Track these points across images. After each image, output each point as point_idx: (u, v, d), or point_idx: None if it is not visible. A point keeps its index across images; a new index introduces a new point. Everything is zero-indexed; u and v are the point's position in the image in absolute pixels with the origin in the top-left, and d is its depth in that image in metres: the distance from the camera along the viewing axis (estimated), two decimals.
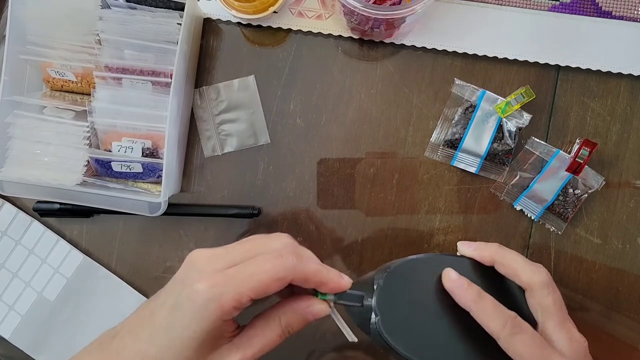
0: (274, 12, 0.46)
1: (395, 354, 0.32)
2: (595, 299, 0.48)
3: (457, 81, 0.47)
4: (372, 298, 0.32)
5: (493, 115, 0.46)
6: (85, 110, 0.43)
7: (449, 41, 0.47)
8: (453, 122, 0.47)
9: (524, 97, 0.45)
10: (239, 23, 0.48)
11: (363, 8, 0.38)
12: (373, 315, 0.32)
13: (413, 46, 0.47)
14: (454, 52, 0.47)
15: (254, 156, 0.49)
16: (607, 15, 0.47)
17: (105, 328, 0.48)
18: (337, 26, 0.47)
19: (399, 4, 0.44)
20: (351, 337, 0.33)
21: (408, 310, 0.33)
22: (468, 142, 0.47)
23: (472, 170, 0.47)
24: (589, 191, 0.46)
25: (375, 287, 0.33)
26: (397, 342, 0.32)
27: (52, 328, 0.48)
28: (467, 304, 0.32)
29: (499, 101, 0.46)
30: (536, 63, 0.47)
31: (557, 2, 0.47)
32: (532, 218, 0.48)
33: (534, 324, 0.34)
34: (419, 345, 0.32)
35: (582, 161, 0.44)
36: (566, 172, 0.45)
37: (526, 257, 0.48)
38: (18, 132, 0.43)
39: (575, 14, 0.47)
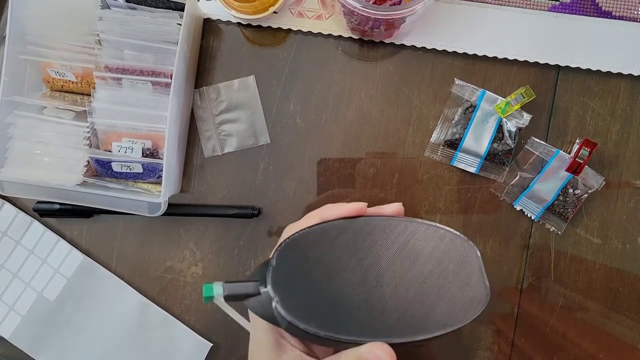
0: (274, 12, 0.46)
1: (307, 334, 0.29)
2: (595, 299, 0.48)
3: (457, 81, 0.47)
4: (267, 283, 0.30)
5: (493, 115, 0.46)
6: (85, 110, 0.43)
7: (449, 41, 0.47)
8: (453, 122, 0.47)
9: (524, 97, 0.45)
10: (239, 23, 0.48)
11: (363, 8, 0.38)
12: (272, 300, 0.30)
13: (413, 46, 0.47)
14: (454, 52, 0.47)
15: (254, 156, 0.49)
16: (607, 15, 0.47)
17: (105, 328, 0.48)
18: (337, 26, 0.47)
19: (399, 4, 0.44)
20: (248, 326, 0.31)
21: (310, 286, 0.30)
22: (468, 142, 0.47)
23: (472, 170, 0.47)
24: (589, 191, 0.46)
25: (268, 269, 0.30)
26: (303, 320, 0.29)
27: (52, 328, 0.48)
28: None
29: (498, 101, 0.46)
30: (536, 63, 0.47)
31: (557, 2, 0.47)
32: (532, 218, 0.48)
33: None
34: (328, 319, 0.29)
35: (582, 161, 0.44)
36: (566, 172, 0.45)
37: (526, 257, 0.48)
38: (18, 133, 0.43)
39: (575, 13, 0.47)
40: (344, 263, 0.31)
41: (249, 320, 0.33)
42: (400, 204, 0.35)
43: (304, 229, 0.32)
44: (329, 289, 0.31)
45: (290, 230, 0.35)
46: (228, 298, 0.30)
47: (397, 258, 0.32)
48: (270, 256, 0.32)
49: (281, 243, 0.32)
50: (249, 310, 0.33)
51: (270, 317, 0.30)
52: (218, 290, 0.30)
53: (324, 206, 0.35)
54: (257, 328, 0.33)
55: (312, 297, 0.30)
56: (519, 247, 0.48)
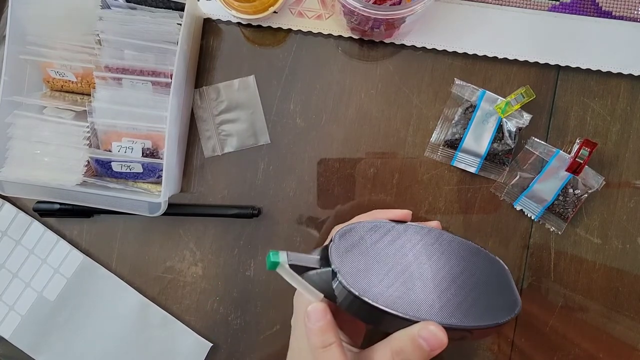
0: (274, 12, 0.46)
1: (363, 309, 0.31)
2: (595, 299, 0.48)
3: (457, 81, 0.47)
4: (329, 259, 0.33)
5: (493, 115, 0.46)
6: (85, 110, 0.43)
7: (449, 41, 0.47)
8: (453, 122, 0.47)
9: (524, 97, 0.45)
10: (239, 23, 0.48)
11: (363, 8, 0.38)
12: (334, 271, 0.32)
13: (413, 46, 0.47)
14: (454, 52, 0.47)
15: (254, 156, 0.49)
16: (607, 15, 0.47)
17: (105, 328, 0.48)
18: (337, 26, 0.47)
19: (399, 4, 0.44)
20: (315, 295, 0.32)
21: (365, 266, 0.33)
22: (468, 142, 0.47)
23: (472, 170, 0.47)
24: (589, 191, 0.46)
25: (329, 247, 0.34)
26: (364, 293, 0.31)
27: (52, 328, 0.48)
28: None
29: (498, 101, 0.46)
30: (536, 63, 0.47)
31: (557, 2, 0.47)
32: (532, 218, 0.48)
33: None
34: (382, 297, 0.32)
35: (582, 161, 0.44)
36: (566, 172, 0.45)
37: (526, 257, 0.48)
38: (18, 132, 0.43)
39: (575, 13, 0.47)
40: (392, 253, 0.35)
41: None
42: (438, 222, 0.41)
43: (359, 222, 0.37)
44: (380, 272, 0.34)
45: (336, 229, 0.39)
46: (290, 267, 0.31)
47: (438, 259, 0.36)
48: (330, 239, 0.35)
49: (340, 229, 0.36)
50: (295, 295, 0.36)
51: (328, 292, 0.32)
52: (283, 257, 0.31)
53: (372, 210, 0.41)
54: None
55: (367, 276, 0.33)
56: (519, 247, 0.48)
